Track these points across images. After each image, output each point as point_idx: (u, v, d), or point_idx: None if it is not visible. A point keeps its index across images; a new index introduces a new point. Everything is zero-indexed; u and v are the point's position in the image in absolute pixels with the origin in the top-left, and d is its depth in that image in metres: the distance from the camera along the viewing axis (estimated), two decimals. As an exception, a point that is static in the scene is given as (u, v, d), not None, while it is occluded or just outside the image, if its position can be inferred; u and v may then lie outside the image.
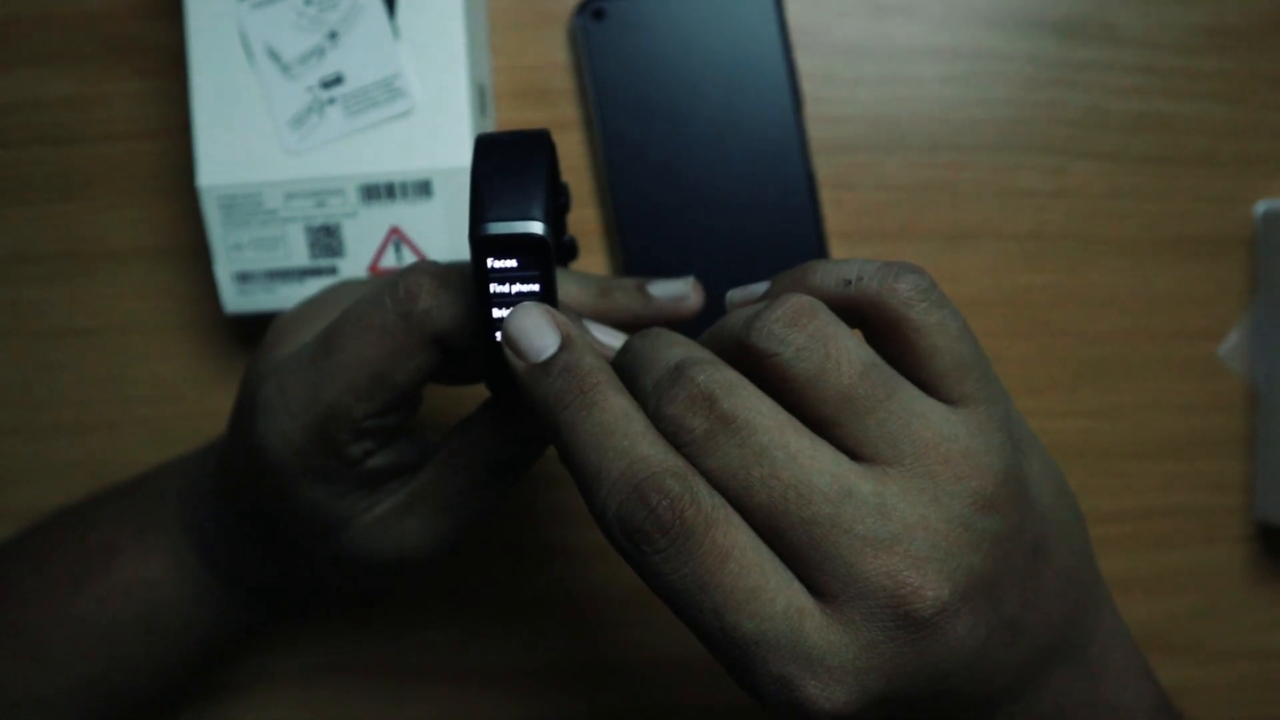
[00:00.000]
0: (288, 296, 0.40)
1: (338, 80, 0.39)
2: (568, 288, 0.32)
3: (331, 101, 0.39)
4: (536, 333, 0.26)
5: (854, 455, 0.26)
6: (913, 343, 0.27)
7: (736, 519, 0.25)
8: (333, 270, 0.40)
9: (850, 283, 0.27)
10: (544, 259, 0.26)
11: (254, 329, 0.45)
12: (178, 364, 0.45)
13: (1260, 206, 0.44)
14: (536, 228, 0.26)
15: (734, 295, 0.31)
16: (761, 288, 0.30)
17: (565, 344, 0.26)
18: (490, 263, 0.27)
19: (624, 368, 0.28)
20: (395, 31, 0.39)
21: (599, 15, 0.42)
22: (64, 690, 0.37)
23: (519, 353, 0.26)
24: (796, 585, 0.25)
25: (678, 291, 0.33)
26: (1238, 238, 0.45)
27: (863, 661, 0.25)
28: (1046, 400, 0.45)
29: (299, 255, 0.39)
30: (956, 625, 0.26)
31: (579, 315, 0.31)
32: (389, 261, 0.39)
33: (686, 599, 0.25)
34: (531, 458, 0.32)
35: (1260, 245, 0.44)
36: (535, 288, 0.27)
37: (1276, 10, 0.44)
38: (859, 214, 0.44)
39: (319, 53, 0.39)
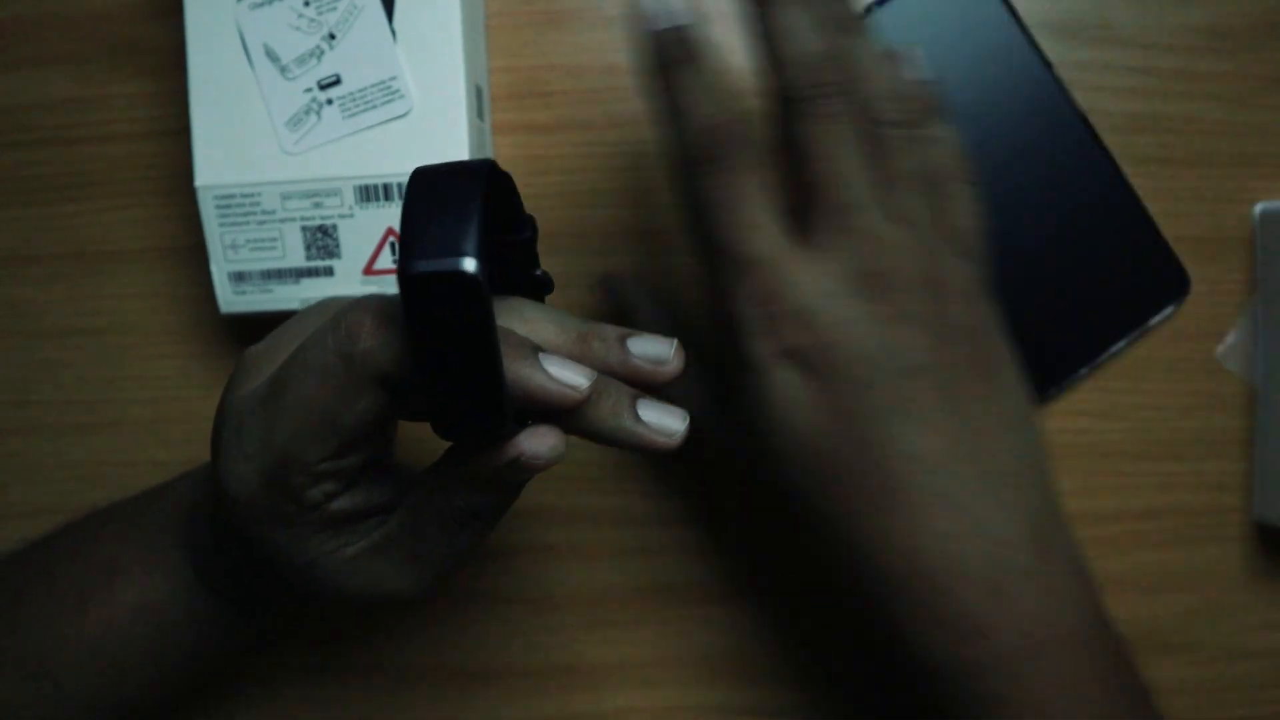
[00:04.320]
0: (284, 297, 0.40)
1: (335, 81, 0.39)
2: (544, 328, 0.30)
3: (329, 103, 0.39)
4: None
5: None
6: (947, 198, 0.35)
7: (767, 182, 0.33)
8: (329, 271, 0.40)
9: (938, 141, 0.35)
10: (476, 297, 0.25)
11: (254, 330, 0.45)
12: (178, 364, 0.45)
13: (1259, 207, 0.44)
14: (467, 265, 0.24)
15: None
16: None
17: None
18: (420, 303, 0.25)
19: (773, 23, 0.33)
20: (392, 34, 0.39)
21: None
22: (74, 710, 0.36)
23: (648, 11, 0.33)
24: (791, 237, 0.33)
25: (659, 354, 0.30)
26: (1237, 238, 0.45)
27: (823, 304, 0.32)
28: (1046, 400, 0.45)
29: (295, 255, 0.39)
30: (899, 325, 0.32)
31: (556, 349, 0.30)
32: (385, 263, 0.39)
33: (711, 214, 0.33)
34: (501, 506, 0.31)
35: (1259, 245, 0.44)
36: (469, 330, 0.25)
37: (1275, 11, 0.44)
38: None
39: (317, 54, 0.39)
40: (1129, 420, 0.45)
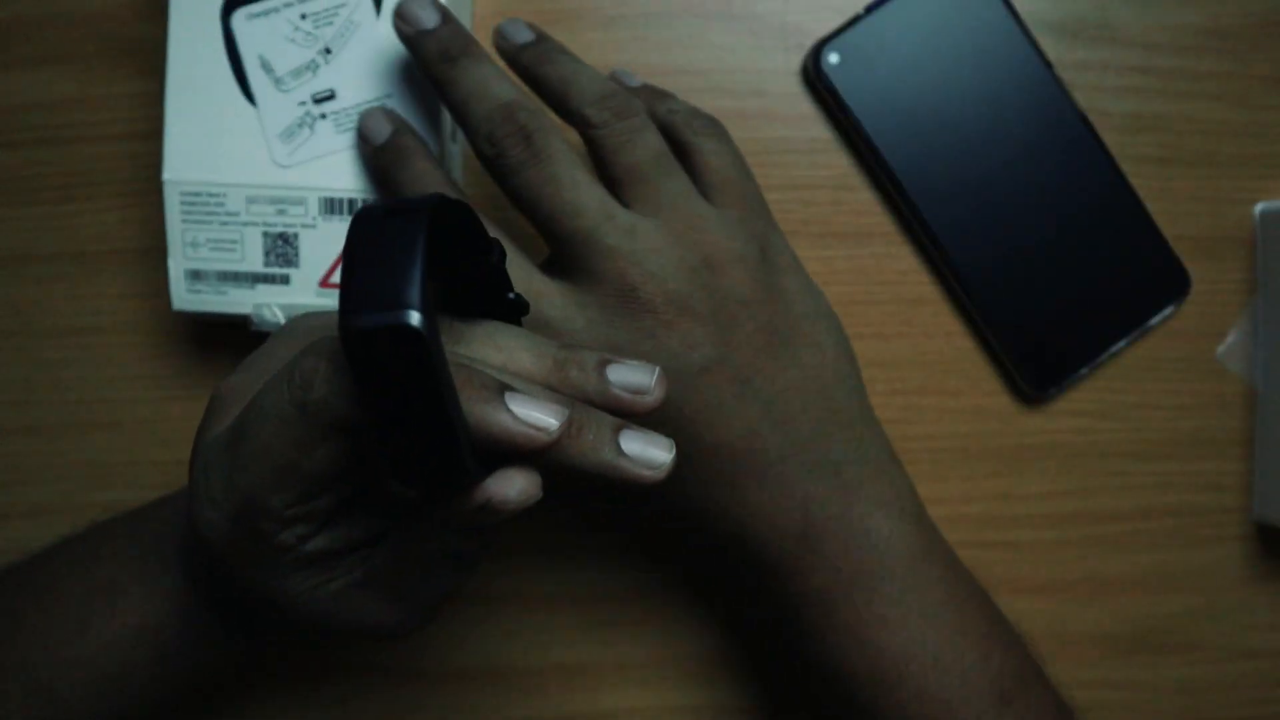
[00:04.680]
0: (238, 300, 0.40)
1: (330, 96, 0.39)
2: (519, 356, 0.28)
3: (323, 117, 0.39)
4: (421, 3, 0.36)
5: (626, 206, 0.35)
6: (693, 159, 0.36)
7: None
8: (286, 279, 0.39)
9: (671, 111, 0.37)
10: (422, 351, 0.23)
11: (251, 335, 0.45)
12: (178, 364, 0.45)
13: (1259, 207, 0.44)
14: (410, 318, 0.23)
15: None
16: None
17: (444, 17, 0.36)
18: (364, 358, 0.23)
19: (453, 99, 0.35)
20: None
21: (835, 61, 0.42)
22: None
23: (365, 133, 0.37)
24: (540, 273, 0.34)
25: (639, 383, 0.28)
26: (1237, 238, 0.45)
27: (586, 334, 0.34)
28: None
29: (254, 260, 0.39)
30: (669, 331, 0.34)
31: (530, 382, 0.28)
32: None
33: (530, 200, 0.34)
34: (482, 547, 0.31)
35: (1260, 245, 0.44)
36: (417, 382, 0.23)
37: (1275, 10, 0.44)
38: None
39: (312, 68, 0.39)
40: (1129, 420, 0.45)
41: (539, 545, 0.45)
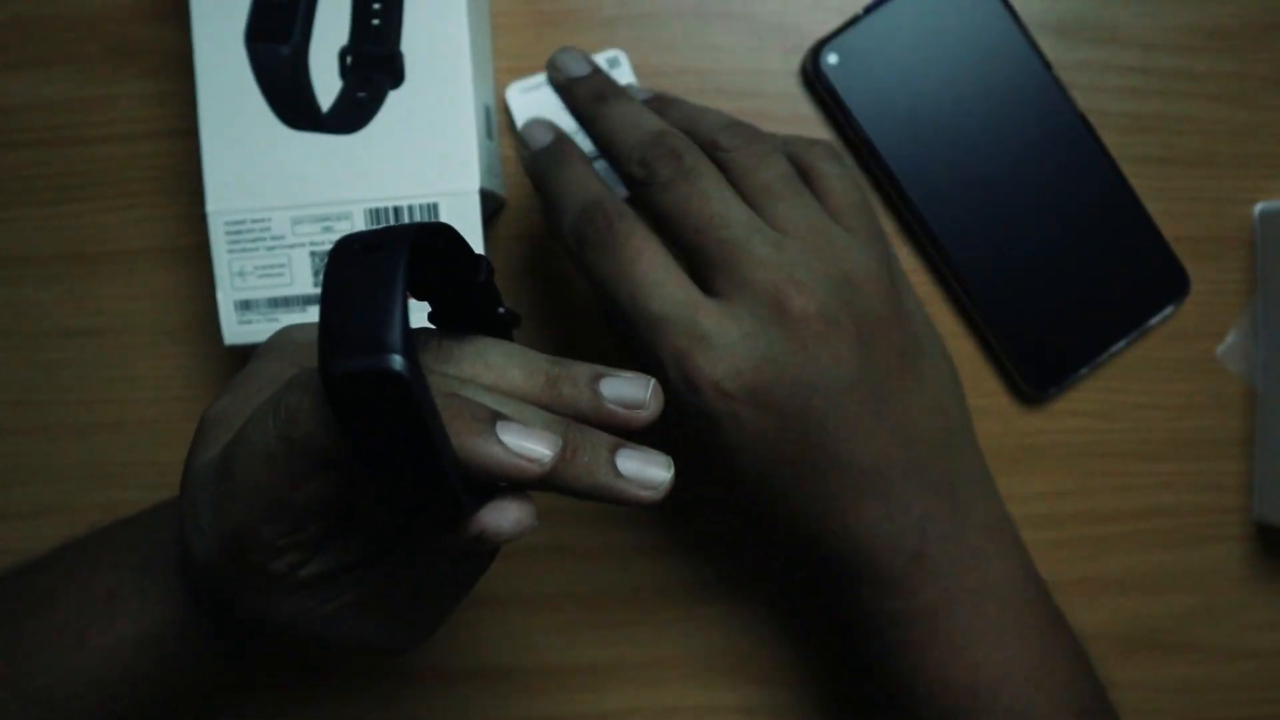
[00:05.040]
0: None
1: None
2: (509, 373, 0.28)
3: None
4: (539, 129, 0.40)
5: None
6: (817, 184, 0.37)
7: (653, 240, 0.35)
8: None
9: (786, 144, 0.38)
10: (406, 396, 0.22)
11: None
12: (178, 364, 0.45)
13: (1259, 207, 0.44)
14: (393, 363, 0.22)
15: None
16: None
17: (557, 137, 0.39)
18: (347, 404, 0.23)
19: (602, 131, 0.37)
20: (400, 55, 0.39)
21: (834, 61, 0.42)
22: None
23: (527, 139, 0.40)
24: (694, 287, 0.34)
25: (634, 396, 0.27)
26: (1237, 238, 0.45)
27: (742, 346, 0.34)
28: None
29: (303, 281, 0.39)
30: (821, 344, 0.34)
31: (522, 400, 0.28)
32: None
33: (612, 285, 0.35)
34: (477, 570, 0.31)
35: (1260, 245, 0.44)
36: (404, 426, 0.23)
37: (1275, 11, 0.44)
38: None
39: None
40: (1129, 420, 0.45)
41: (539, 545, 0.45)
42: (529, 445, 0.25)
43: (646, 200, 0.36)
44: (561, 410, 0.27)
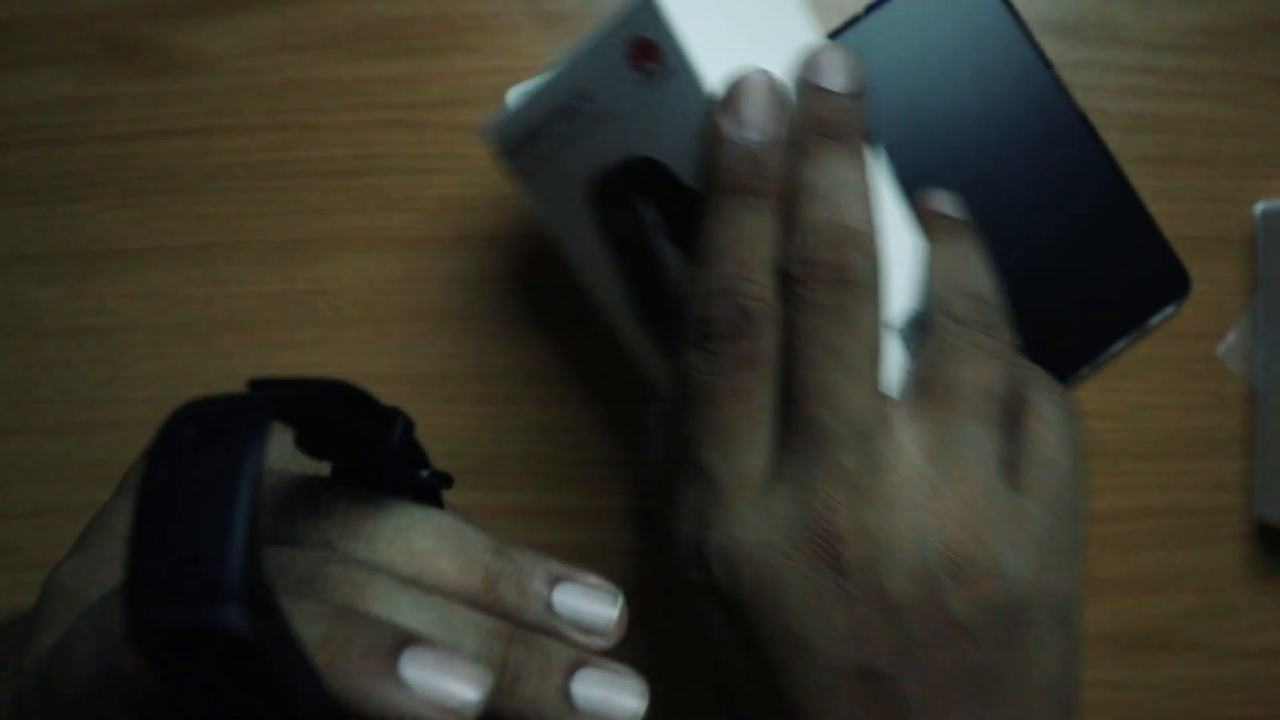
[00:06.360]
0: None
1: None
2: (437, 563, 0.22)
3: None
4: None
5: (908, 420, 0.27)
6: (1023, 419, 0.28)
7: (769, 380, 0.27)
8: None
9: (1015, 364, 0.29)
10: (251, 661, 0.16)
11: (254, 329, 0.45)
12: (178, 364, 0.45)
13: (1260, 206, 0.44)
14: (229, 616, 0.16)
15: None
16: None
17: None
18: (164, 663, 0.16)
19: (802, 181, 0.27)
20: None
21: None
22: None
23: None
24: (765, 455, 0.27)
25: (595, 617, 0.22)
26: (1238, 238, 0.45)
27: (759, 541, 0.26)
28: (1046, 400, 0.45)
29: None
30: (846, 608, 0.25)
31: (450, 599, 0.22)
32: None
33: (691, 404, 0.27)
34: None
35: (1260, 245, 0.44)
36: (247, 687, 0.17)
37: (1275, 11, 0.44)
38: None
39: None
40: (1129, 420, 0.45)
41: (539, 546, 0.45)
42: (448, 688, 0.19)
43: (785, 303, 0.27)
44: (502, 616, 0.22)
